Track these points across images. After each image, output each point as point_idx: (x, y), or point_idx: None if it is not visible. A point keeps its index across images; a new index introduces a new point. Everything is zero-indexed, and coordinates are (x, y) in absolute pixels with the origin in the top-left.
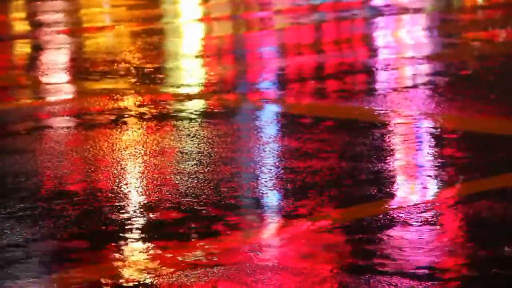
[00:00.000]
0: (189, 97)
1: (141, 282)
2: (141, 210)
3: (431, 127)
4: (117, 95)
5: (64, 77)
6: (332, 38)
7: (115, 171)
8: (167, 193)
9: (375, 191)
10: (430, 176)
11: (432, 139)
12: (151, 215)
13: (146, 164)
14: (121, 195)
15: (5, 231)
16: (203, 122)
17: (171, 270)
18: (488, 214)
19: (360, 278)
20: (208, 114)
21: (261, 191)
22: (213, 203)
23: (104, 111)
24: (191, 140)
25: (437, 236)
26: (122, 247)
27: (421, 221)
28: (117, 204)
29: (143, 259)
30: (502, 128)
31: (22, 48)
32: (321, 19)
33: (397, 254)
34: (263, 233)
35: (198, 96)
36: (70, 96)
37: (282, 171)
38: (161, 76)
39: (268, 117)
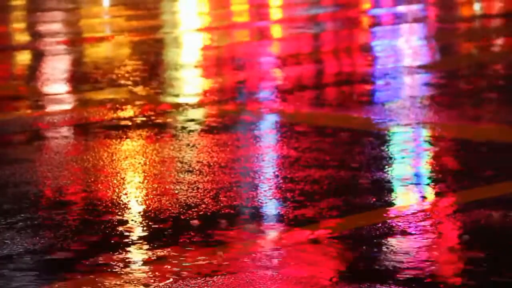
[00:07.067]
0: (189, 107)
1: None
2: (141, 220)
3: (429, 136)
4: (117, 105)
5: (64, 87)
6: (331, 48)
7: (115, 181)
8: (166, 203)
9: (374, 200)
10: (428, 184)
11: (430, 148)
12: (150, 225)
13: (145, 174)
14: (121, 205)
15: (6, 241)
16: (202, 132)
17: (171, 280)
18: (486, 222)
19: (360, 287)
20: (207, 123)
21: (260, 200)
22: (212, 213)
23: (103, 121)
24: (191, 150)
25: (436, 245)
26: (122, 257)
27: (420, 230)
28: (117, 214)
29: (143, 269)
30: (500, 136)
31: (22, 59)
32: (320, 28)
33: (396, 263)
34: (262, 242)
35: (198, 105)
36: (70, 106)
37: (281, 180)
38: (160, 86)
39: (267, 127)
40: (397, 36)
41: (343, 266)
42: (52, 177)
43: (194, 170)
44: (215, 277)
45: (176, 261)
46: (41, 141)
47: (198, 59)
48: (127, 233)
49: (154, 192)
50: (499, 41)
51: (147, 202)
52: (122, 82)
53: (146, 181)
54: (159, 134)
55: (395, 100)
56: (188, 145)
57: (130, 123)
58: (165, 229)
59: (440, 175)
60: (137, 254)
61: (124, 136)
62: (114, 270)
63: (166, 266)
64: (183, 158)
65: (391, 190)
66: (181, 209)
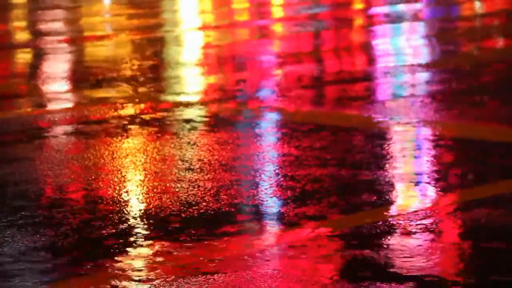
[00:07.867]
0: (189, 105)
1: None
2: (142, 218)
3: (430, 135)
4: (118, 104)
5: (65, 85)
6: (331, 46)
7: (116, 179)
8: (167, 201)
9: (375, 198)
10: (429, 183)
11: (431, 147)
12: (151, 223)
13: (146, 172)
14: (121, 203)
15: (6, 239)
16: (203, 130)
17: (172, 277)
18: (486, 221)
19: (360, 285)
20: (208, 122)
21: (260, 198)
22: (213, 211)
23: (104, 119)
24: (192, 148)
25: (436, 243)
26: (123, 255)
27: (420, 228)
28: (118, 212)
29: (144, 267)
30: (500, 135)
31: (23, 57)
32: (320, 27)
33: (397, 261)
34: (263, 240)
35: (198, 104)
36: (70, 105)
37: (281, 179)
38: (161, 84)
39: (268, 125)
40: (398, 34)
41: (344, 264)
42: (53, 175)
43: (195, 168)
44: (216, 275)
45: (177, 259)
46: (42, 140)
47: (199, 57)
48: (127, 231)
49: (155, 190)
50: (500, 40)
51: (147, 200)
52: (123, 80)
53: (147, 179)
54: (160, 132)
55: (395, 99)
56: (189, 143)
57: (131, 122)
58: (166, 227)
59: (441, 173)
60: (137, 252)
61: (125, 134)
62: (114, 268)
63: (167, 264)
64: (184, 156)
65: (391, 189)
66: (182, 207)
